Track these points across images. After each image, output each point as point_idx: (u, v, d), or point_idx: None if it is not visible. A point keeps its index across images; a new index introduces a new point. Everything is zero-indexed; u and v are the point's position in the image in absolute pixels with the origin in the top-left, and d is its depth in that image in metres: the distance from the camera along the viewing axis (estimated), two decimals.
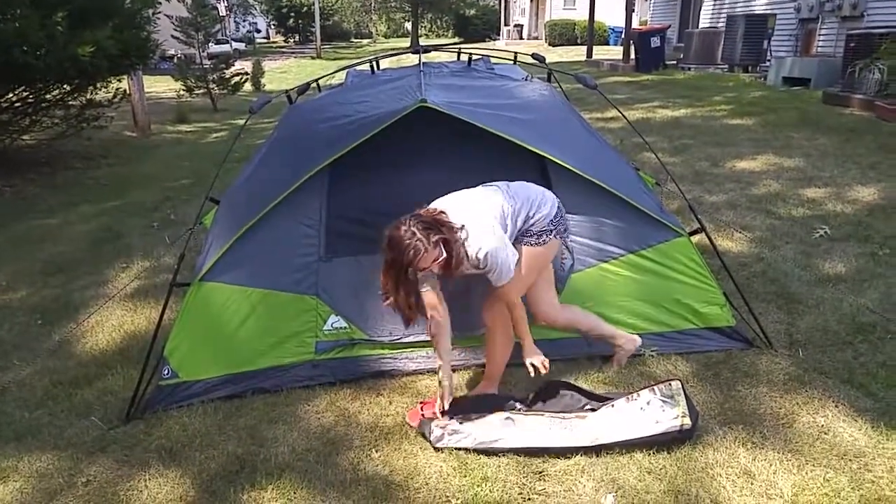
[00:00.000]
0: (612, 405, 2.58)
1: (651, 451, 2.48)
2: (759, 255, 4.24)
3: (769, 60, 12.26)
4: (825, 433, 2.55)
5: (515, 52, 3.96)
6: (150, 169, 8.25)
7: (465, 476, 2.40)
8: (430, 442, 2.55)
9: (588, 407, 2.63)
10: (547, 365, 2.68)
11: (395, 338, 3.05)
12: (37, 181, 7.76)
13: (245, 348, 3.01)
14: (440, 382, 2.65)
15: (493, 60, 4.12)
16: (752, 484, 2.30)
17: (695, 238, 3.21)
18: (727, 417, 2.67)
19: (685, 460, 2.43)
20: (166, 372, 2.96)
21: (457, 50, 3.62)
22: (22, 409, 3.04)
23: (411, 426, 2.68)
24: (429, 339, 3.06)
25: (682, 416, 2.46)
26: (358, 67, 3.90)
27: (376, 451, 2.56)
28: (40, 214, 6.41)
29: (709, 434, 2.57)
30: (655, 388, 2.58)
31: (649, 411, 2.51)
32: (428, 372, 3.04)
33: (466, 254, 2.48)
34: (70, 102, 8.74)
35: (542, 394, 2.74)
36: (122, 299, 4.22)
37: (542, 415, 2.58)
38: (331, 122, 3.17)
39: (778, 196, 5.38)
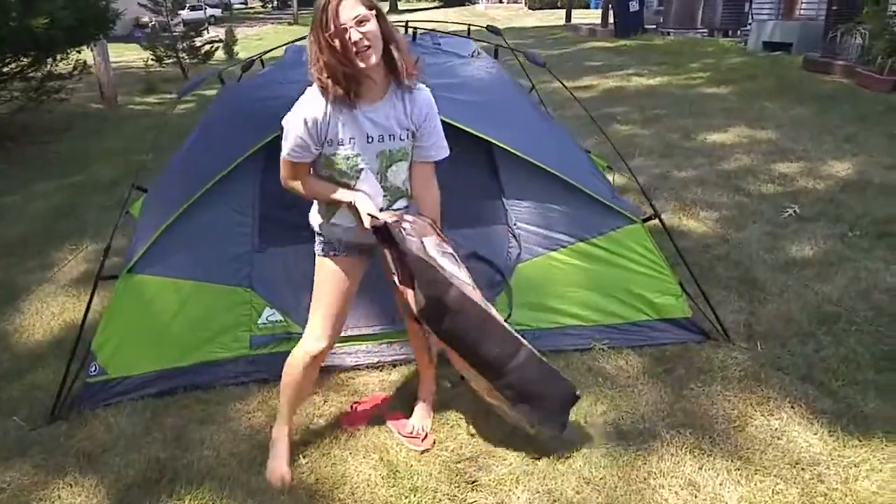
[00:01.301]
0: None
1: (592, 459, 2.36)
2: (724, 236, 4.10)
3: (750, 24, 11.99)
4: (778, 438, 2.43)
5: (469, 25, 3.74)
6: (114, 143, 7.98)
7: (394, 486, 2.28)
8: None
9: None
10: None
11: (384, 327, 2.91)
12: None
13: (176, 343, 2.86)
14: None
15: (451, 29, 3.90)
16: (696, 496, 2.19)
17: (651, 223, 3.06)
18: (676, 420, 2.55)
19: (627, 469, 2.32)
20: (93, 369, 2.81)
21: (402, 24, 3.39)
22: None
23: (344, 429, 2.55)
24: (369, 332, 2.94)
25: None
26: (299, 42, 3.68)
27: (304, 457, 2.43)
28: None
29: (655, 439, 2.45)
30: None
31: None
32: (367, 368, 2.91)
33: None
34: (30, 75, 8.41)
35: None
36: (65, 285, 4.06)
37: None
38: (265, 101, 2.96)
39: (748, 171, 5.24)
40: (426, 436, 2.50)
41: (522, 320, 2.97)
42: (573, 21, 18.96)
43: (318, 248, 2.22)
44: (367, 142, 2.01)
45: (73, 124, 9.06)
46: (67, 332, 3.44)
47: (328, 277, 2.20)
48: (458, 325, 2.12)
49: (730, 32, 12.83)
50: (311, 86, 1.97)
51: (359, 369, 2.91)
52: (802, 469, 2.29)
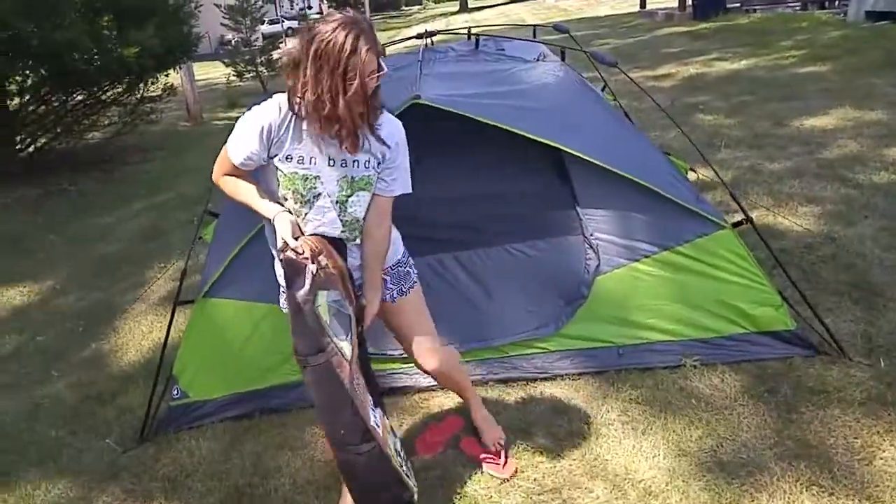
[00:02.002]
0: None
1: (689, 494, 2.16)
2: (830, 234, 3.73)
3: None
4: None
5: (534, 26, 3.57)
6: (199, 159, 8.31)
7: None
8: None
9: None
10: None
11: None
12: (98, 178, 7.95)
13: (252, 366, 2.87)
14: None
15: (515, 32, 3.74)
16: None
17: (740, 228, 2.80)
18: (787, 450, 2.30)
19: None
20: (176, 392, 2.86)
21: (465, 32, 3.28)
22: (49, 428, 3.04)
23: (419, 456, 2.47)
24: None
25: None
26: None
27: None
28: (98, 212, 6.54)
29: (763, 472, 2.21)
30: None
31: None
32: (442, 389, 2.81)
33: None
34: (123, 101, 8.92)
35: None
36: (154, 304, 4.21)
37: None
38: None
39: (856, 159, 4.76)
40: (506, 461, 2.37)
41: (605, 336, 2.80)
42: (648, 6, 18.21)
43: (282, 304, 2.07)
44: (329, 165, 1.87)
45: (162, 143, 9.52)
46: (156, 352, 3.54)
47: None
48: (314, 389, 1.89)
49: (826, 4, 11.90)
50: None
51: (433, 390, 2.82)
52: None
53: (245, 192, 1.92)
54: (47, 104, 8.15)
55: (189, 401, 2.86)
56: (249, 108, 1.89)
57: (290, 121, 1.83)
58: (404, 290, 2.14)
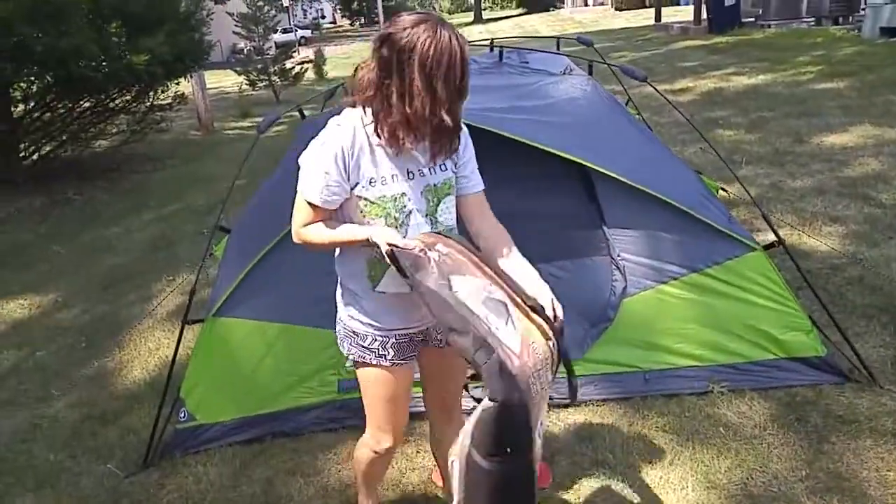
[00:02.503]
0: None
1: None
2: (856, 255, 3.63)
3: (864, 9, 11.00)
4: None
5: (558, 38, 3.49)
6: (210, 169, 8.26)
7: None
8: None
9: None
10: None
11: None
12: (105, 187, 7.90)
13: (264, 388, 2.77)
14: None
15: (535, 45, 3.67)
16: None
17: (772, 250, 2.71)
18: (819, 483, 2.20)
19: None
20: (183, 415, 2.77)
21: (487, 43, 3.20)
22: (48, 450, 2.94)
23: (436, 485, 2.37)
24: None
25: None
26: None
27: None
28: (105, 222, 6.49)
29: None
30: None
31: None
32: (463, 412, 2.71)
33: None
34: (132, 109, 8.87)
35: None
36: (161, 320, 4.12)
37: None
38: None
39: (878, 177, 4.67)
40: (541, 471, 2.27)
41: (630, 361, 2.70)
42: (663, 20, 18.20)
43: (350, 350, 1.82)
44: (409, 177, 1.67)
45: (173, 152, 9.48)
46: (162, 370, 3.46)
47: (376, 390, 1.84)
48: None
49: (840, 20, 11.83)
50: (336, 115, 1.68)
51: None
52: None
53: (333, 230, 1.69)
54: (53, 111, 8.07)
55: (196, 423, 2.76)
56: (305, 145, 1.68)
57: (363, 143, 1.62)
58: None
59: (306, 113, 3.52)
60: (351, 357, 1.83)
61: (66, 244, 5.88)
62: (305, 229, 1.69)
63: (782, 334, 2.67)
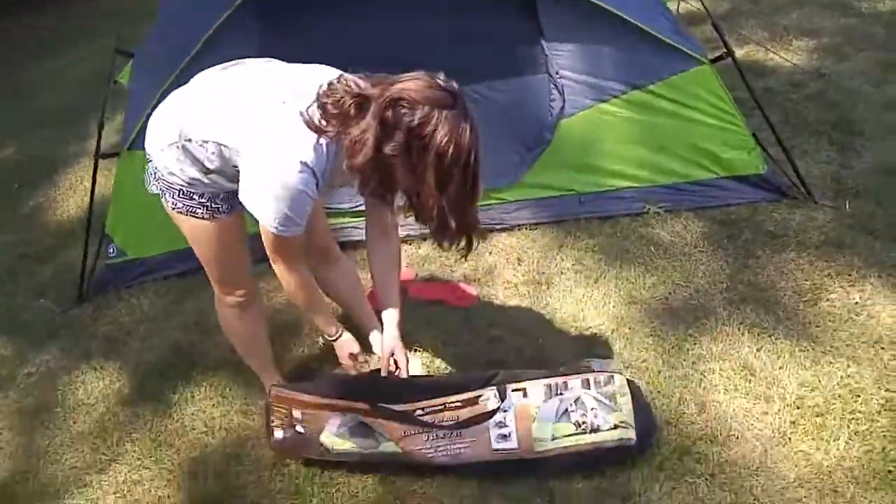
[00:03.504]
0: (525, 393, 1.73)
1: (634, 340, 2.11)
2: (820, 69, 3.45)
3: None
4: (856, 314, 2.09)
5: None
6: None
7: None
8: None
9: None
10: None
11: (357, 204, 2.65)
12: (50, 14, 7.23)
13: None
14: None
15: None
16: (749, 382, 1.92)
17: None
18: (737, 294, 2.23)
19: (674, 351, 2.05)
20: (112, 251, 2.71)
21: None
22: None
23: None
24: None
25: (622, 427, 1.68)
26: None
27: (324, 349, 2.29)
28: (45, 55, 6.00)
29: (710, 317, 2.16)
30: (591, 378, 1.74)
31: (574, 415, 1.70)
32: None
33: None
34: None
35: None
36: (104, 158, 3.94)
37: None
38: None
39: None
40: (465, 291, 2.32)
41: (566, 184, 2.63)
42: None
43: (175, 204, 1.62)
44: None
45: None
46: (97, 209, 3.36)
47: (211, 245, 1.70)
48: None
49: None
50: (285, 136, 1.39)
51: None
52: (882, 349, 1.97)
53: (315, 308, 1.68)
54: None
55: (127, 259, 2.72)
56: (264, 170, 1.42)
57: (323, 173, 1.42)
58: None
59: None
60: (176, 210, 1.63)
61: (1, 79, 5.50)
62: (299, 277, 1.57)
63: (724, 153, 2.58)
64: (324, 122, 1.34)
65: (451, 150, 1.26)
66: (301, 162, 1.35)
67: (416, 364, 2.09)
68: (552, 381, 1.73)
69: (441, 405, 1.69)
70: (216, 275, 1.79)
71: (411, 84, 1.28)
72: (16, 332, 2.61)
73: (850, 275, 2.23)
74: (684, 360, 2.01)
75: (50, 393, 2.31)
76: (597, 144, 2.61)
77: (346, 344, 1.72)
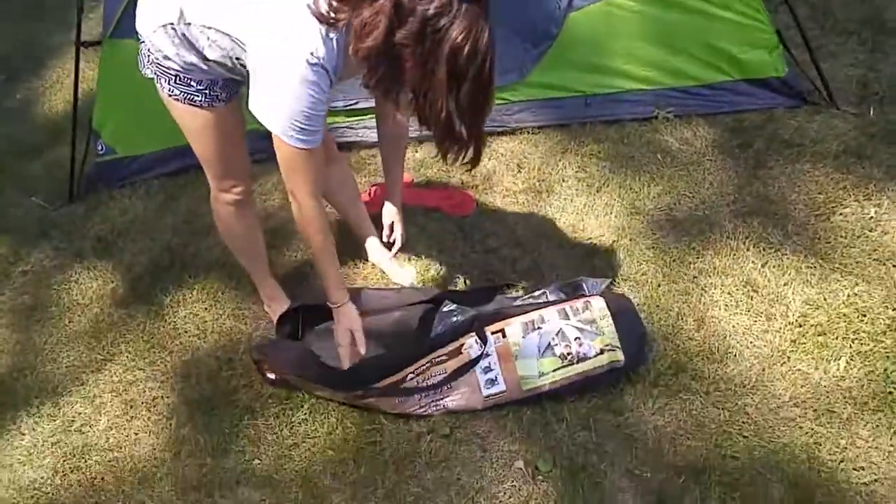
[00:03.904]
0: (504, 334, 1.69)
1: (635, 252, 2.04)
2: None
3: None
4: (870, 230, 2.00)
5: None
6: None
7: None
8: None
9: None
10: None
11: (351, 103, 2.53)
12: None
13: None
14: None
15: None
16: (751, 299, 1.87)
17: None
18: (745, 206, 2.14)
19: (675, 265, 1.99)
20: (101, 148, 2.62)
21: None
22: None
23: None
24: None
25: (609, 350, 1.66)
26: None
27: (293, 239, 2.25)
28: None
29: (714, 229, 2.08)
30: (567, 307, 1.70)
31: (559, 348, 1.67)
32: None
33: None
34: None
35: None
36: (87, 46, 3.76)
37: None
38: None
39: None
40: (461, 198, 2.27)
41: (572, 84, 2.49)
42: None
43: (172, 90, 1.52)
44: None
45: None
46: (84, 101, 3.23)
47: (209, 135, 1.60)
48: None
49: None
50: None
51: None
52: (894, 266, 1.90)
53: (331, 257, 1.59)
54: None
55: (117, 157, 2.63)
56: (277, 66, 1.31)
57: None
58: None
59: None
60: (172, 97, 1.54)
61: None
62: (312, 222, 1.50)
63: (743, 53, 2.41)
64: (333, 11, 1.23)
65: (466, 47, 1.16)
66: (313, 56, 1.25)
67: (411, 272, 2.06)
68: (528, 317, 1.68)
69: (427, 363, 1.66)
70: (214, 169, 1.72)
71: None
72: (7, 230, 2.58)
73: (867, 188, 2.13)
74: (685, 275, 1.96)
75: (44, 292, 2.29)
76: (606, 42, 2.44)
77: (347, 317, 1.63)
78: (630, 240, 2.08)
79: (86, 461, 1.75)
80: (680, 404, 1.65)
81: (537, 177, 2.33)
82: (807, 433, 1.56)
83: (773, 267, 1.94)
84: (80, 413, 1.87)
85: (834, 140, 2.30)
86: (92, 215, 2.55)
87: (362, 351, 1.62)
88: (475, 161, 1.33)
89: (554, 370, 1.64)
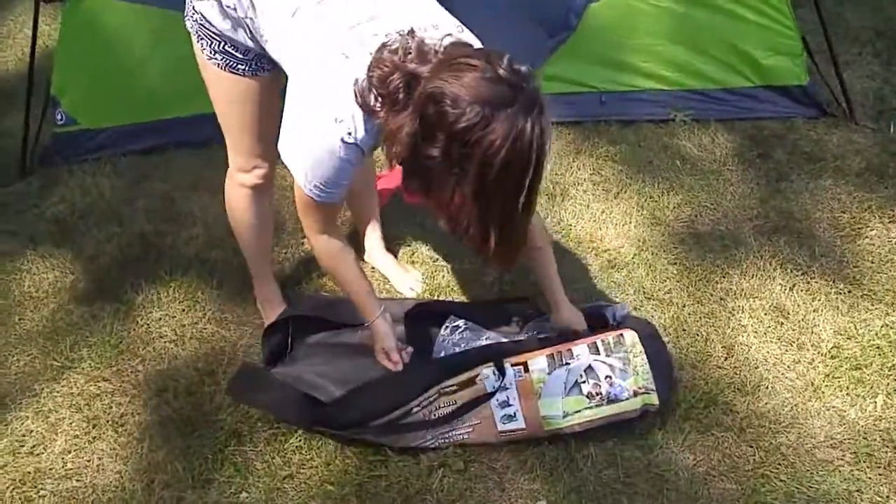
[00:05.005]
0: (526, 367, 1.51)
1: (656, 267, 1.91)
2: None
3: None
4: None
5: None
6: None
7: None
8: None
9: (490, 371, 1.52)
10: None
11: None
12: None
13: (159, 90, 2.33)
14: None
15: None
16: (781, 325, 1.76)
17: None
18: (769, 222, 2.04)
19: (701, 284, 1.87)
20: (60, 117, 2.34)
21: None
22: None
23: None
24: None
25: (643, 393, 1.49)
26: None
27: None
28: None
29: (739, 247, 1.97)
30: (598, 341, 1.54)
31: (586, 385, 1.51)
32: None
33: None
34: None
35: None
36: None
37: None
38: None
39: None
40: None
41: (587, 79, 2.35)
42: None
43: (215, 54, 1.40)
44: None
45: None
46: (44, 61, 2.91)
47: (235, 100, 1.47)
48: None
49: None
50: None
51: None
52: None
53: (352, 281, 1.50)
54: None
55: (79, 128, 2.36)
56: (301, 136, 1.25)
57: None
58: None
59: None
60: (213, 62, 1.40)
61: None
62: (323, 256, 1.48)
63: (766, 58, 2.31)
64: (372, 101, 1.14)
65: (499, 158, 1.04)
66: (350, 136, 1.18)
67: (417, 278, 1.89)
68: (554, 349, 1.52)
69: (435, 393, 1.48)
70: (242, 143, 1.55)
71: (466, 75, 1.03)
72: None
73: (891, 209, 2.05)
74: (711, 295, 1.84)
75: None
76: (626, 37, 2.31)
77: (378, 336, 1.52)
78: (652, 254, 1.95)
79: (38, 491, 1.49)
80: (712, 441, 1.53)
81: (551, 178, 2.17)
82: (846, 479, 1.47)
83: (802, 291, 1.84)
84: (31, 431, 1.60)
85: (855, 156, 2.22)
86: (48, 194, 2.27)
87: (398, 368, 1.51)
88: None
89: (579, 410, 1.48)
